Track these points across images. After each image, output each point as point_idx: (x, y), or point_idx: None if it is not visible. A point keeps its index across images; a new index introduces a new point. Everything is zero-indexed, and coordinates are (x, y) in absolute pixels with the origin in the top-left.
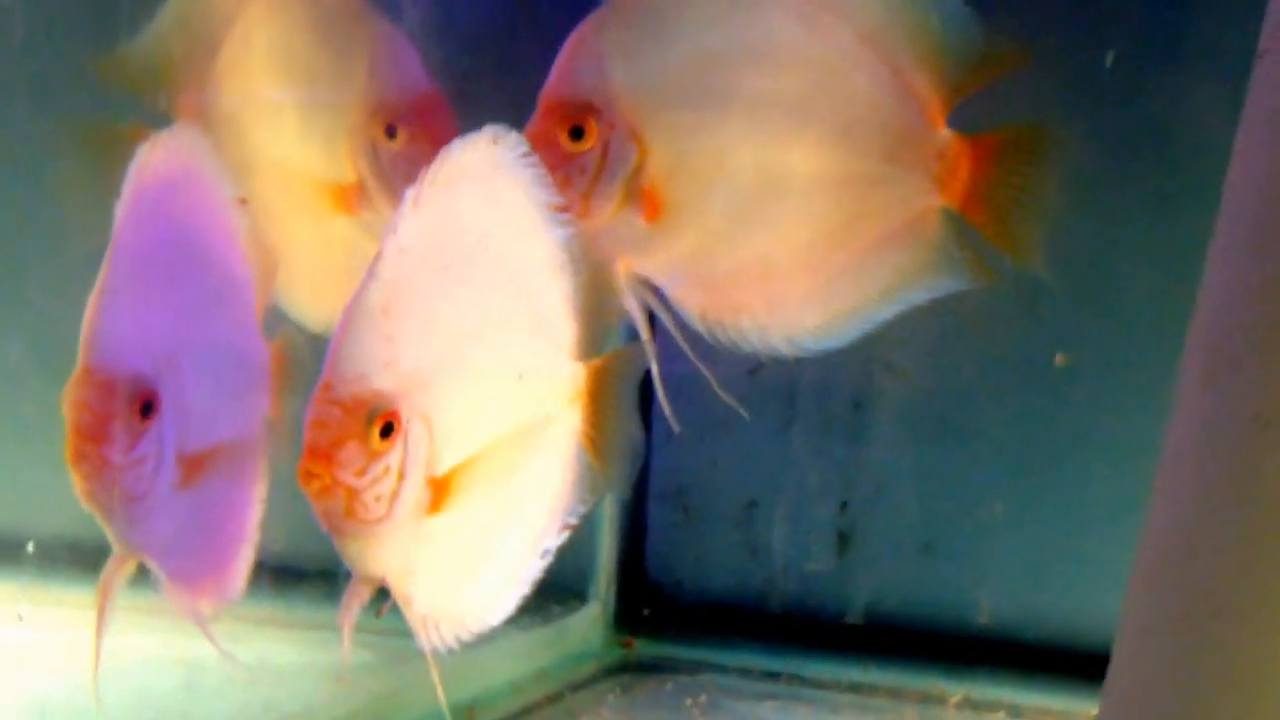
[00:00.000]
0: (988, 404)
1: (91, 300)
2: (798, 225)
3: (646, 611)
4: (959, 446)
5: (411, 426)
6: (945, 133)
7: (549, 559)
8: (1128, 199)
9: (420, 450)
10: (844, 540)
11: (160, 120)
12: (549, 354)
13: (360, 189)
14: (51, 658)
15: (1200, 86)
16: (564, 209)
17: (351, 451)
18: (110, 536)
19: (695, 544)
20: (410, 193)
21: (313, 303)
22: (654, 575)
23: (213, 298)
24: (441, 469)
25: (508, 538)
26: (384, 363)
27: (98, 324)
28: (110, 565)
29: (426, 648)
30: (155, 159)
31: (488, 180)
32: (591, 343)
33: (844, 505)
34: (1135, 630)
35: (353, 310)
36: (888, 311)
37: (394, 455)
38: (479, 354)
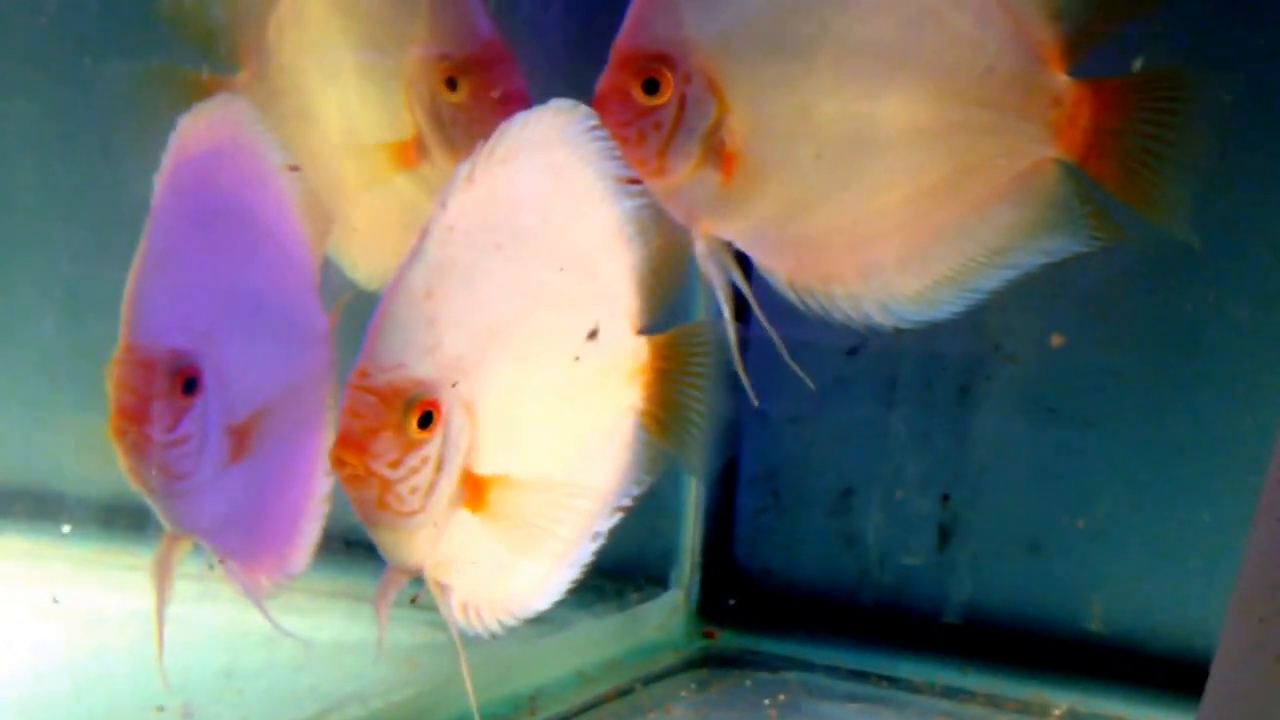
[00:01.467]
0: (1105, 394)
1: (131, 275)
2: (893, 182)
3: (732, 601)
4: (1072, 438)
5: (453, 416)
6: (1062, 77)
7: (600, 541)
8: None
9: (462, 441)
10: (945, 534)
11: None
12: (609, 329)
13: (420, 144)
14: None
15: None
16: (635, 180)
17: (386, 442)
18: (159, 515)
19: (786, 531)
20: (464, 168)
21: (370, 261)
22: (741, 563)
23: (261, 267)
24: (486, 464)
25: (558, 529)
26: (425, 348)
27: (137, 299)
28: (162, 545)
29: (456, 635)
30: (194, 130)
31: (549, 154)
32: (658, 314)
33: (946, 497)
34: (1236, 652)
35: (393, 292)
36: (996, 277)
37: (432, 446)
38: (531, 336)
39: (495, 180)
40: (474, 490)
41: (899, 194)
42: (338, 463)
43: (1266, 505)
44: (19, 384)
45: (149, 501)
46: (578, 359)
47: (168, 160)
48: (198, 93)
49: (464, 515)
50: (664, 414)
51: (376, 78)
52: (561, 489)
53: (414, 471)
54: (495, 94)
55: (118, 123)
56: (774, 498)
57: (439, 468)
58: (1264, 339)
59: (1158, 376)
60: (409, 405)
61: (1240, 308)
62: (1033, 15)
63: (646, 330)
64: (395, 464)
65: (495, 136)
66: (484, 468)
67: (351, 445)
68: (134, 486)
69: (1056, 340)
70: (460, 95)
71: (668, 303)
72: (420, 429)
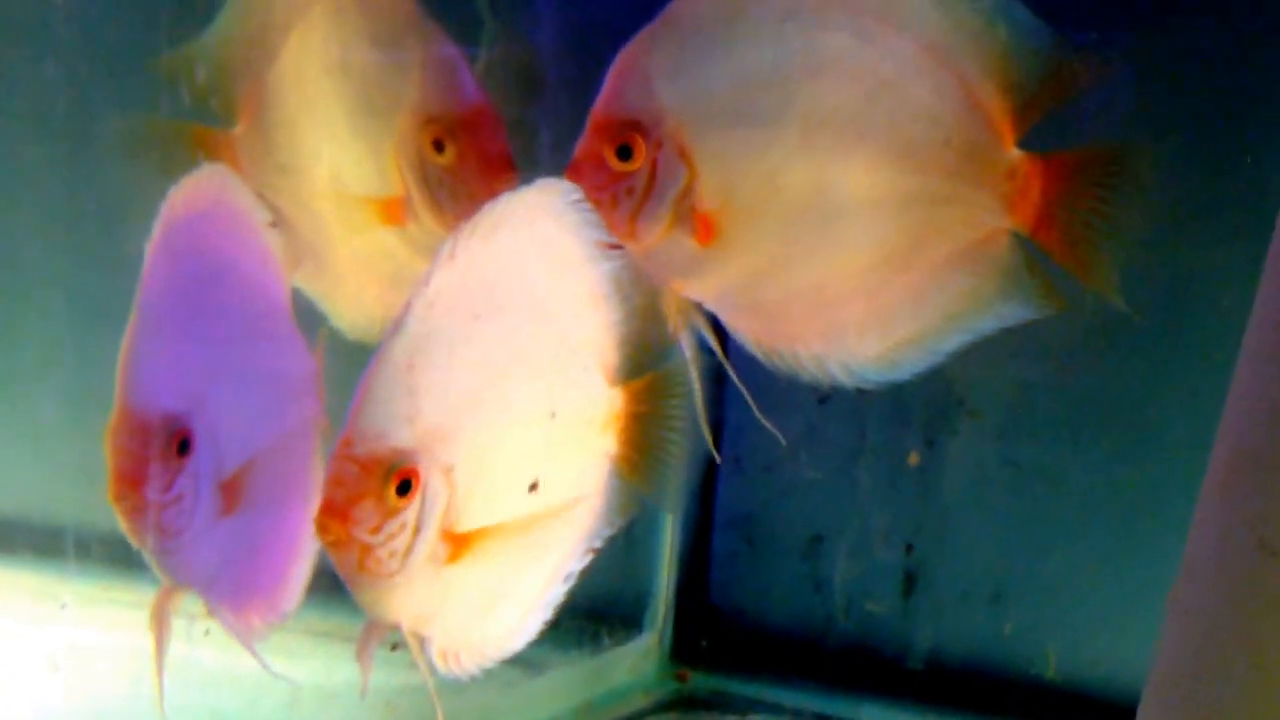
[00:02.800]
0: (1066, 448)
1: (125, 339)
2: (856, 248)
3: (704, 642)
4: (1034, 491)
5: (430, 481)
6: (1015, 151)
7: (573, 582)
8: (1225, 227)
9: (438, 504)
10: (910, 581)
11: (220, 120)
12: (583, 384)
13: (406, 201)
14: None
15: None
16: (615, 245)
17: (367, 509)
18: (156, 569)
19: (758, 576)
20: (446, 245)
21: (354, 311)
22: (714, 606)
23: (248, 324)
24: (463, 522)
25: (530, 574)
26: (405, 418)
27: (132, 364)
28: (159, 596)
29: (432, 687)
30: (182, 198)
31: (531, 226)
32: (636, 368)
33: (910, 546)
34: None
35: (376, 365)
36: (953, 341)
37: (410, 511)
38: (509, 398)
39: (476, 255)
40: (452, 546)
41: (861, 259)
42: (321, 529)
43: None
44: (26, 417)
45: (147, 557)
46: (554, 415)
47: (157, 228)
48: (195, 146)
49: (442, 570)
50: (637, 457)
51: (368, 136)
52: (535, 535)
53: (392, 536)
54: (482, 157)
55: (118, 176)
56: (747, 543)
57: (417, 531)
58: (1213, 400)
59: (1115, 434)
60: (388, 474)
61: (1190, 369)
62: (987, 90)
63: (625, 380)
64: (375, 529)
65: (478, 214)
66: (462, 525)
67: (334, 512)
68: (133, 544)
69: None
70: (447, 157)
71: (646, 357)
72: (399, 496)
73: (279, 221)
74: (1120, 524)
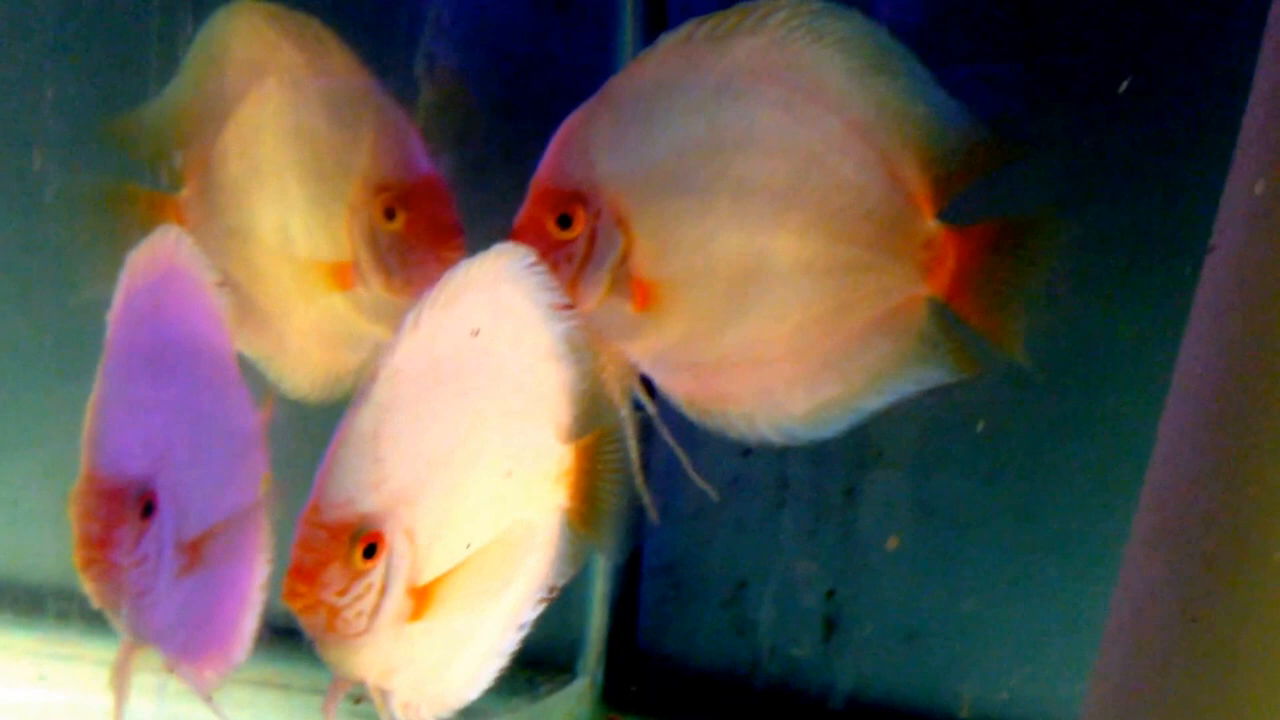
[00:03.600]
0: (977, 497)
1: (90, 406)
2: (784, 312)
3: (634, 687)
4: (948, 537)
5: (395, 543)
6: (932, 223)
7: (525, 631)
8: (1127, 290)
9: (403, 565)
10: (830, 626)
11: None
12: (538, 442)
13: (356, 267)
14: None
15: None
16: (569, 306)
17: (334, 573)
18: (119, 628)
19: (685, 621)
20: (410, 315)
21: (299, 372)
22: (644, 651)
23: (203, 384)
24: (425, 576)
25: (487, 623)
26: (371, 484)
27: (96, 430)
28: (121, 653)
29: None
30: (140, 262)
31: (490, 291)
32: (588, 425)
33: (832, 591)
34: None
35: (343, 433)
36: (876, 401)
37: (376, 573)
38: (469, 459)
39: (439, 323)
40: (416, 603)
41: (790, 323)
42: (290, 593)
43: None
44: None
45: (110, 617)
46: (510, 473)
47: (117, 296)
48: (141, 208)
49: (406, 626)
50: (586, 510)
51: (319, 202)
52: (493, 585)
53: (359, 598)
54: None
55: (69, 240)
56: (674, 589)
57: (383, 591)
58: (1117, 450)
59: (1025, 481)
60: (355, 538)
61: (1096, 421)
62: (907, 165)
63: (576, 437)
64: (342, 592)
65: (440, 282)
66: (424, 580)
67: (302, 577)
68: (98, 606)
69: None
70: (398, 224)
71: (594, 415)
72: (365, 559)
73: (226, 282)
74: (1032, 566)
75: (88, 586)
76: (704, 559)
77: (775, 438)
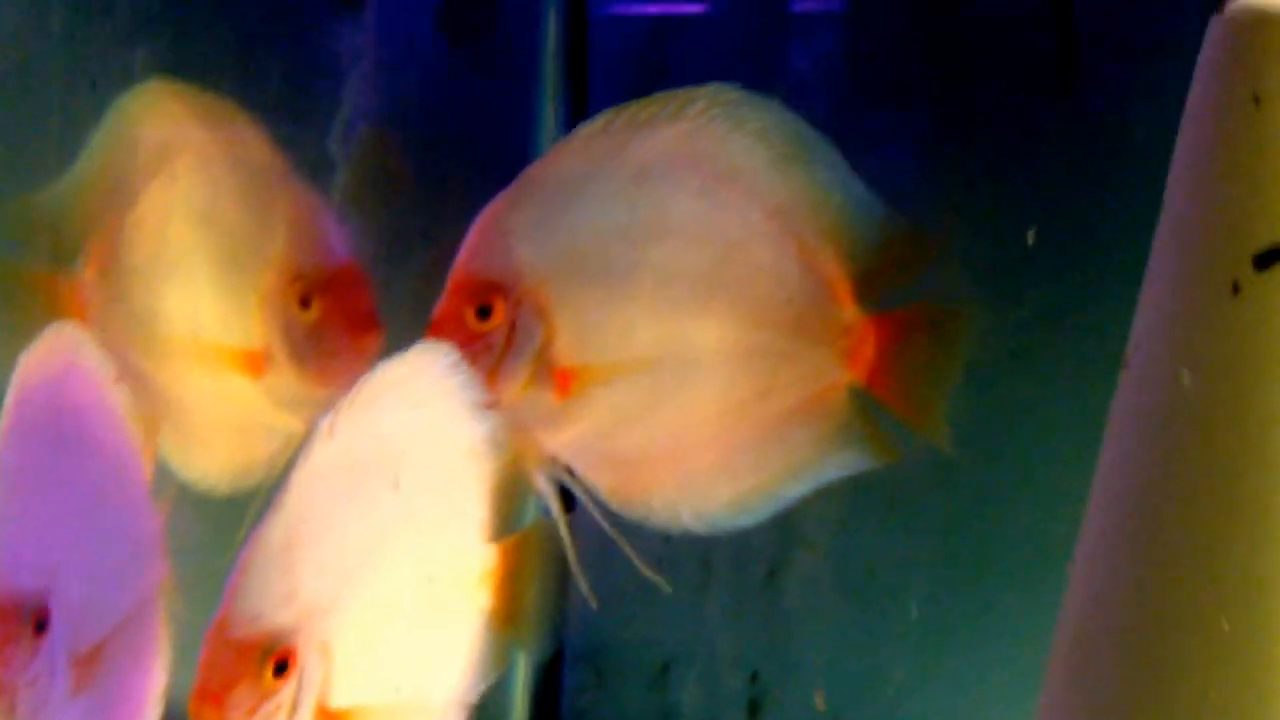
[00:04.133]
0: (898, 577)
1: None
2: (705, 399)
3: None
4: (870, 617)
5: (307, 660)
6: (851, 310)
7: None
8: (1046, 378)
9: (315, 681)
10: (754, 707)
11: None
12: (460, 545)
13: (268, 356)
14: None
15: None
16: (492, 404)
17: (242, 693)
18: None
19: (608, 706)
20: (325, 420)
21: (204, 462)
22: None
23: (101, 489)
24: (340, 693)
25: None
26: (283, 598)
27: None
28: None
29: None
30: (33, 365)
31: (409, 392)
32: (508, 523)
33: (755, 674)
34: None
35: (253, 545)
36: (798, 488)
37: (286, 692)
38: (388, 568)
39: (356, 427)
40: None
41: (710, 410)
42: (196, 716)
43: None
44: None
45: None
46: (431, 579)
47: (10, 398)
48: (37, 290)
49: None
50: (511, 611)
51: (230, 288)
52: (414, 710)
53: (269, 717)
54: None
55: None
56: (597, 675)
57: (293, 710)
58: (1043, 525)
59: (947, 562)
60: (265, 655)
61: (1021, 497)
62: (827, 255)
63: (498, 536)
64: (251, 712)
65: (358, 384)
66: (338, 700)
67: (209, 698)
68: None
69: None
70: (312, 314)
71: (517, 511)
72: (275, 677)
73: (126, 375)
74: (958, 642)
75: None
76: (626, 643)
77: (698, 527)
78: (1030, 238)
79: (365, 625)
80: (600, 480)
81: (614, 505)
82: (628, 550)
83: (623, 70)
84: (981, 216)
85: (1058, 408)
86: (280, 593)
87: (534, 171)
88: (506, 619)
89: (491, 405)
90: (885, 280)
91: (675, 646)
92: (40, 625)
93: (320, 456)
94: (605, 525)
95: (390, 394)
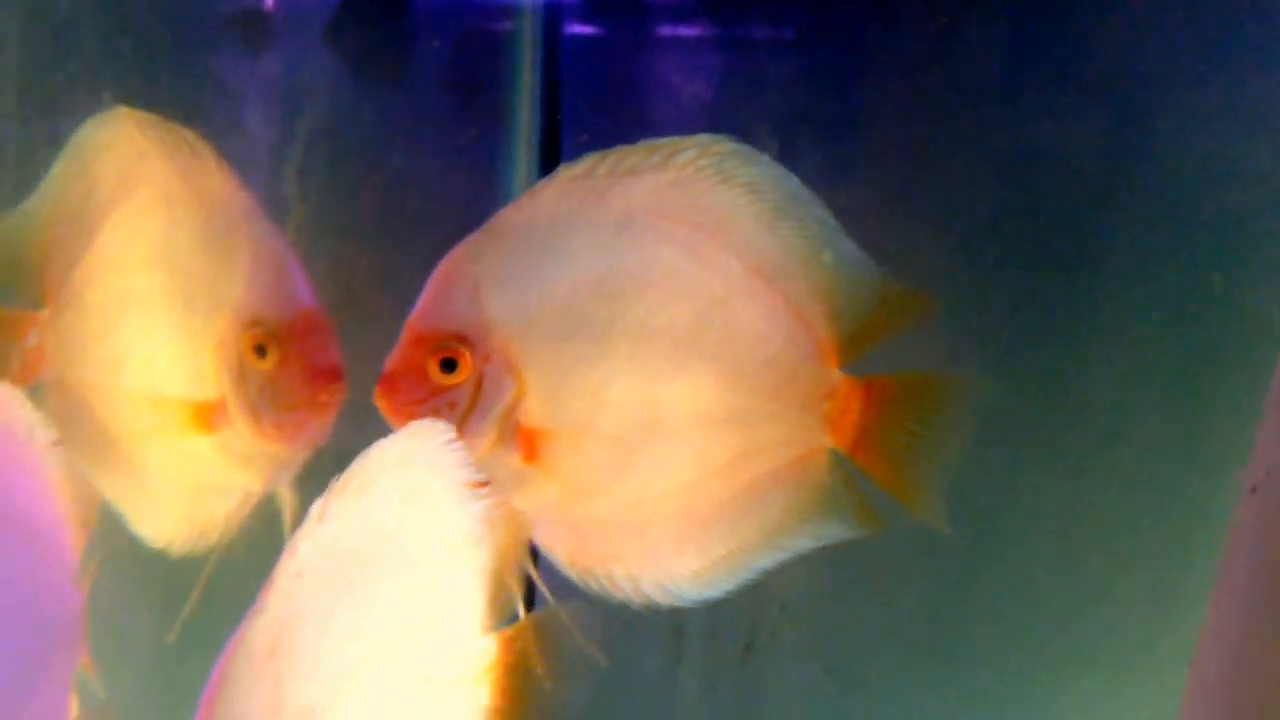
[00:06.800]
0: (880, 654)
1: None
2: (678, 465)
3: None
4: (848, 695)
5: None
6: (837, 373)
7: None
8: (1035, 451)
9: None
10: None
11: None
12: (457, 639)
13: (223, 408)
14: None
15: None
16: (483, 483)
17: None
18: None
19: None
20: (316, 505)
21: (158, 519)
22: None
23: (20, 568)
24: None
25: None
26: (269, 708)
27: None
28: None
29: None
30: None
31: (403, 476)
32: (505, 610)
33: None
34: None
35: (233, 651)
36: (771, 558)
37: None
38: (384, 669)
39: (348, 512)
40: None
41: (682, 476)
42: None
43: None
44: None
45: None
46: (429, 678)
47: None
48: (1, 326)
49: None
50: (512, 709)
51: (186, 334)
52: None
53: None
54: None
55: None
56: None
57: None
58: (1028, 604)
59: (930, 640)
60: None
61: (998, 587)
62: (813, 315)
63: (495, 625)
64: None
65: (349, 470)
66: None
67: None
68: None
69: None
70: (269, 363)
71: (512, 597)
72: None
73: (81, 425)
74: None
75: None
76: (596, 716)
77: (661, 599)
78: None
79: None
80: (560, 549)
81: (573, 575)
82: (568, 619)
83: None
84: None
85: (1052, 488)
86: (266, 702)
87: (506, 216)
88: (505, 717)
89: (484, 485)
90: (875, 343)
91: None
92: None
93: (309, 549)
94: (546, 592)
95: (383, 478)
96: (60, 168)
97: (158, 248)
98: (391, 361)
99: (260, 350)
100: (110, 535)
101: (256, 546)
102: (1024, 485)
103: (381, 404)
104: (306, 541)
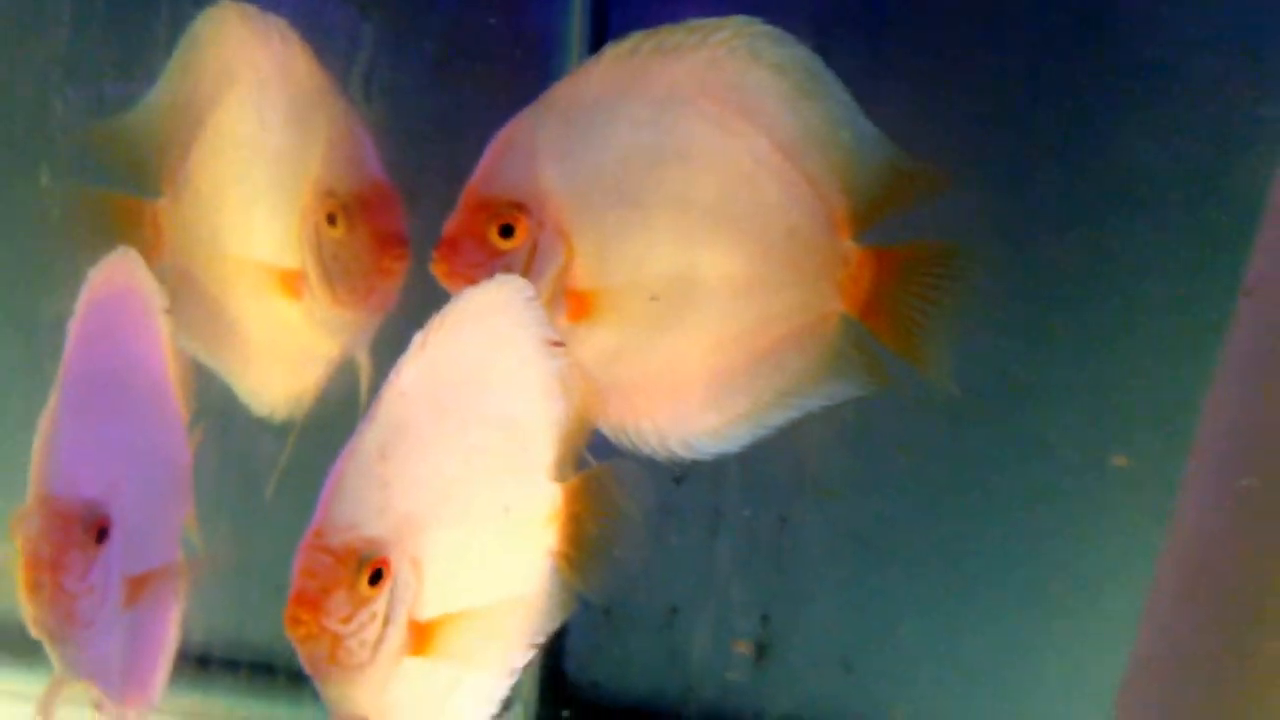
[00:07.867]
0: (910, 528)
1: (42, 426)
2: (706, 328)
3: (566, 714)
4: (881, 567)
5: (400, 572)
6: (849, 242)
7: (517, 676)
8: (1059, 325)
9: (408, 595)
10: (763, 651)
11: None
12: (532, 481)
13: (304, 276)
14: None
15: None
16: (559, 342)
17: (339, 599)
18: (55, 659)
19: (616, 648)
20: (418, 336)
21: (262, 388)
22: (574, 678)
23: (149, 414)
24: (427, 610)
25: (482, 666)
26: (378, 509)
27: (51, 450)
28: (50, 687)
29: None
30: (98, 283)
31: (490, 322)
32: (574, 463)
33: (765, 617)
34: None
35: (349, 454)
36: (782, 416)
37: (381, 601)
38: (471, 492)
39: (444, 348)
40: (417, 637)
41: (709, 339)
42: (293, 621)
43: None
44: None
45: (48, 647)
46: (508, 509)
47: (77, 314)
48: (121, 215)
49: (406, 665)
50: (575, 555)
51: (275, 209)
52: (493, 630)
53: (363, 627)
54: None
55: (42, 245)
56: (605, 616)
57: (387, 621)
58: (1053, 477)
59: (956, 513)
60: (361, 564)
61: (1033, 449)
62: (829, 188)
63: (563, 476)
64: (347, 619)
65: (447, 306)
66: (426, 615)
67: (306, 604)
68: (34, 634)
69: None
70: (338, 231)
71: (581, 452)
72: (370, 585)
73: (194, 301)
74: (967, 593)
75: (29, 613)
76: (636, 587)
77: (684, 453)
78: None
79: (451, 547)
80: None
81: (608, 432)
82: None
83: None
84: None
85: (1075, 361)
86: (375, 504)
87: (559, 91)
88: (570, 562)
89: (560, 344)
90: (886, 215)
91: (685, 591)
92: (101, 535)
93: (412, 372)
94: (590, 459)
95: (472, 324)
96: (174, 61)
97: (254, 130)
98: (450, 227)
99: (331, 219)
100: (206, 402)
101: (334, 411)
102: (1049, 341)
103: (439, 268)
104: (409, 365)
